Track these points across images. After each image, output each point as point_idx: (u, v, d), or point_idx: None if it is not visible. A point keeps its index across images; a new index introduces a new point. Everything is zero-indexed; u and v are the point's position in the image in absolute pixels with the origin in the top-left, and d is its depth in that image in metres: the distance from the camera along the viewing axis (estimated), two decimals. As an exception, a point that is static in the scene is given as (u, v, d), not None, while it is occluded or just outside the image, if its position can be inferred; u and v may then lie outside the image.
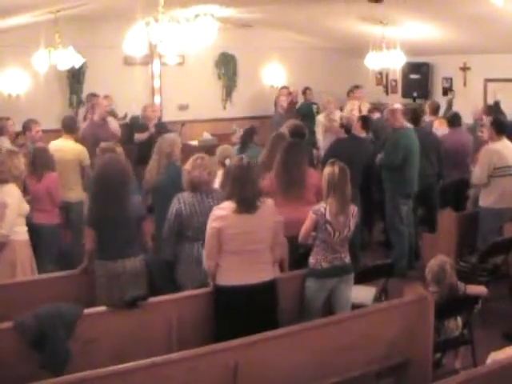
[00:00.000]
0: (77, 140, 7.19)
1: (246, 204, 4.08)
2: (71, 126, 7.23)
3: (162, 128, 8.89)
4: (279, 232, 4.32)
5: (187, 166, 4.78)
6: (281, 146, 5.53)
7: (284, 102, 10.20)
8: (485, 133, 7.08)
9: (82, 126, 8.31)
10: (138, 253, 4.58)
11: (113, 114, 9.10)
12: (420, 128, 7.31)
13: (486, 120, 7.60)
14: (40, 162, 5.94)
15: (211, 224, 4.10)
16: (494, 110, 8.64)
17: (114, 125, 8.59)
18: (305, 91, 11.12)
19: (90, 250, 4.58)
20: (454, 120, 7.76)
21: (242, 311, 4.06)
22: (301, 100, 11.16)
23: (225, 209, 4.10)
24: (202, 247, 4.39)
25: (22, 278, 4.97)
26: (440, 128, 8.27)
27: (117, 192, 4.47)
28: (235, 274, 4.10)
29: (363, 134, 7.10)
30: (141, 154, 8.36)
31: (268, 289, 4.18)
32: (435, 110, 8.72)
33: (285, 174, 5.27)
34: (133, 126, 8.99)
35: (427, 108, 8.71)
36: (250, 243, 4.09)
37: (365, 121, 7.20)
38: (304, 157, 5.50)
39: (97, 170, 4.70)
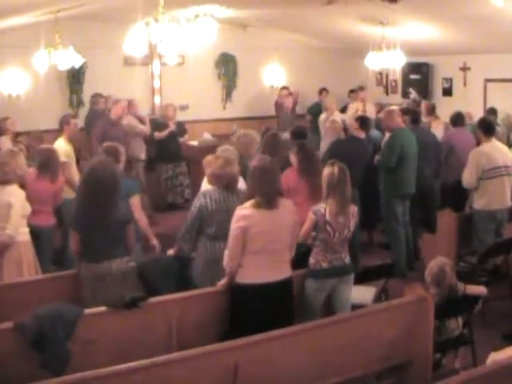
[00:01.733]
0: (71, 135, 7.29)
1: (267, 199, 4.10)
2: (60, 123, 7.43)
3: (180, 127, 9.51)
4: (297, 232, 4.37)
5: (215, 164, 4.75)
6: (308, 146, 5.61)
7: (290, 103, 10.40)
8: None
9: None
10: (124, 254, 4.54)
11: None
12: (419, 128, 7.29)
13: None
14: (54, 164, 5.87)
15: (236, 224, 4.08)
16: (491, 113, 8.61)
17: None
18: (321, 92, 11.05)
19: (75, 252, 4.56)
20: (457, 120, 7.73)
21: (260, 309, 4.09)
22: (313, 100, 11.09)
23: (247, 208, 4.12)
24: (224, 246, 4.31)
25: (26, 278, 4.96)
26: (436, 129, 8.26)
27: (103, 196, 4.39)
28: (256, 273, 4.12)
29: (362, 135, 7.10)
30: (161, 150, 9.11)
31: (286, 286, 4.23)
32: (431, 111, 8.69)
33: (311, 175, 5.27)
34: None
35: (423, 109, 8.64)
36: (271, 243, 4.12)
37: (363, 121, 7.20)
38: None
39: (85, 172, 4.61)
